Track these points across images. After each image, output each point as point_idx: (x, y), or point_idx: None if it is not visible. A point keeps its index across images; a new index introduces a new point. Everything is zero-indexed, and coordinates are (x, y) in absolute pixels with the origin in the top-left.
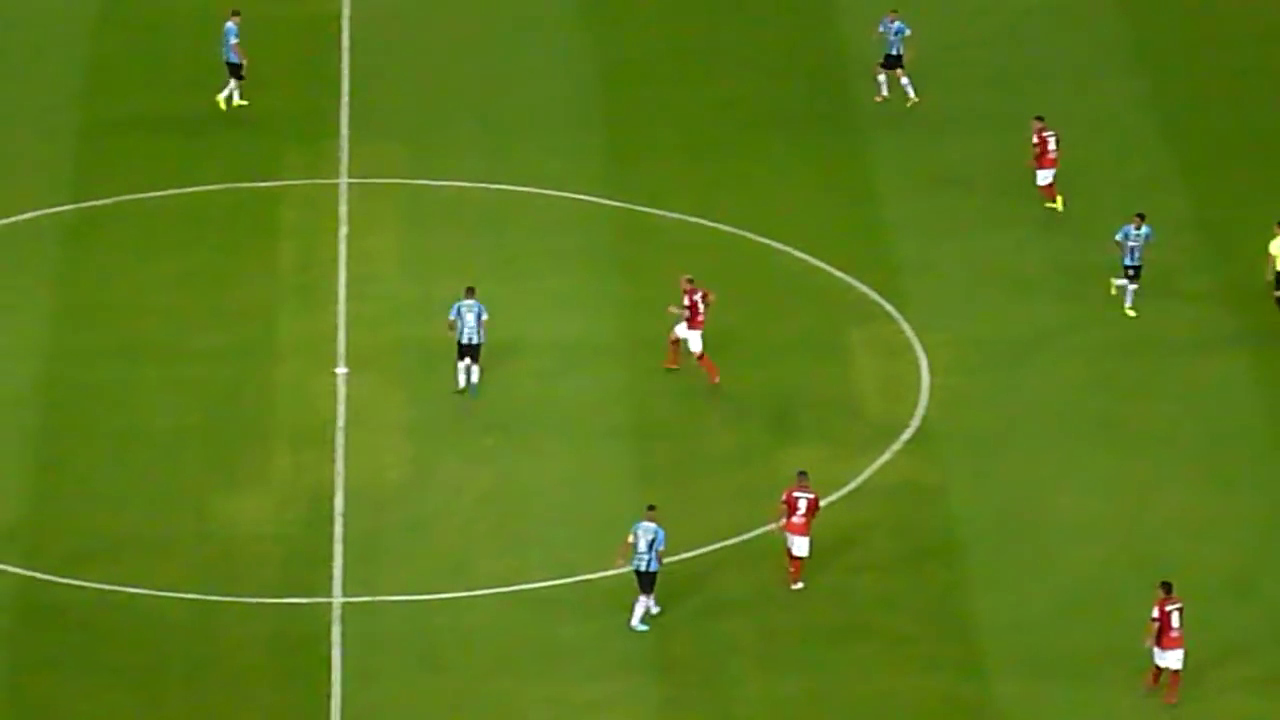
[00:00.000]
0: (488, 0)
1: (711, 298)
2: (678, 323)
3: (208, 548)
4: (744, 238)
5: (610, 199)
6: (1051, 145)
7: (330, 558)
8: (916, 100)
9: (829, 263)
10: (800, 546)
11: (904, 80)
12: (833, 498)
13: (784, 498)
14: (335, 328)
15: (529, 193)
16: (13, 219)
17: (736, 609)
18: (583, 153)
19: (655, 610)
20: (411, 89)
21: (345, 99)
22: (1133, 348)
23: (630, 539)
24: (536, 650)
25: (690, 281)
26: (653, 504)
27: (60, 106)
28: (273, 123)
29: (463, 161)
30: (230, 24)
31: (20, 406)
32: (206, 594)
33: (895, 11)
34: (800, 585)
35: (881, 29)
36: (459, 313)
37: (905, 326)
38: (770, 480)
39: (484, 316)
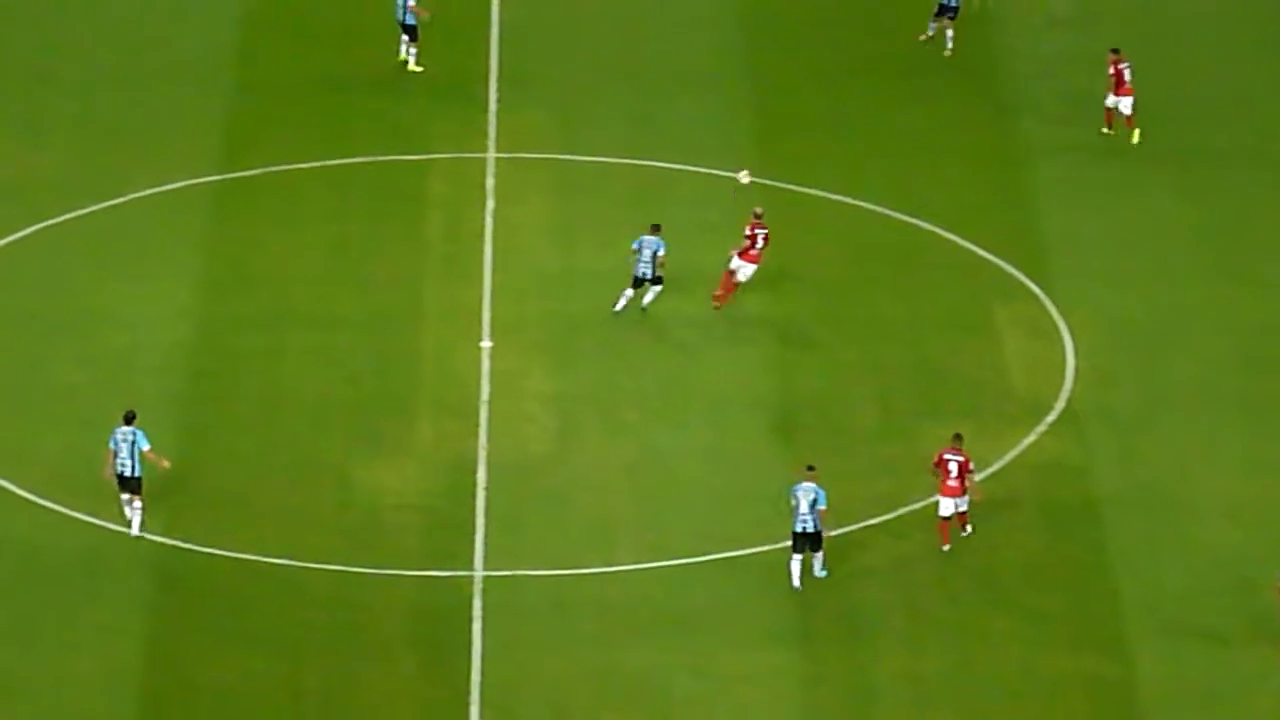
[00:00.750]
0: None
1: (763, 238)
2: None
3: (350, 518)
4: (888, 216)
5: (756, 176)
6: (1127, 76)
7: (472, 530)
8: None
9: (974, 240)
10: (946, 507)
11: (949, 33)
12: (978, 476)
13: (935, 460)
14: (480, 300)
15: (675, 168)
16: (161, 187)
17: (881, 583)
18: (729, 126)
19: (822, 574)
20: (560, 59)
21: (494, 70)
22: None
23: (792, 501)
24: (678, 623)
25: (758, 216)
26: (812, 464)
27: (209, 74)
28: (422, 93)
29: (610, 133)
30: None
31: (166, 373)
32: (348, 565)
33: None
34: (948, 547)
35: None
36: (640, 245)
37: (1050, 305)
38: (915, 456)
39: (660, 253)
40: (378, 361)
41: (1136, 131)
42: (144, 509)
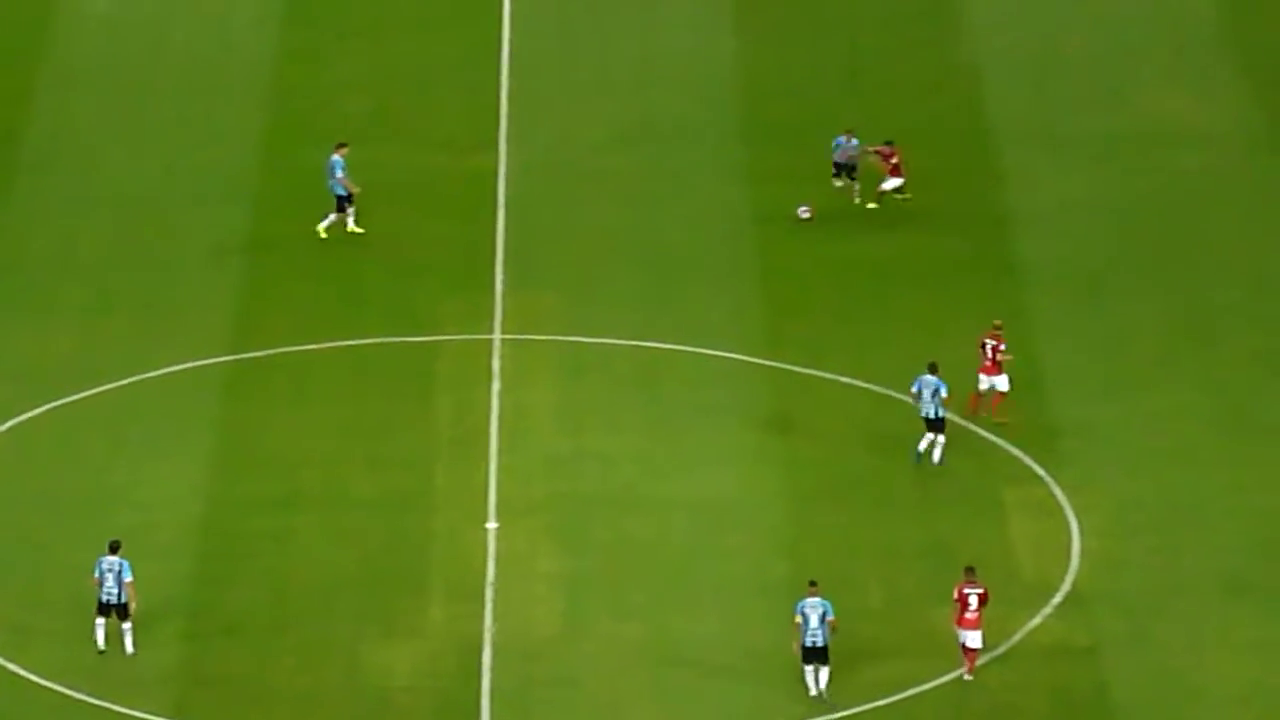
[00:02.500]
0: (643, 154)
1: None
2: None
3: (359, 700)
4: (897, 399)
5: (765, 358)
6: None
7: (479, 711)
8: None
9: (978, 424)
10: (974, 640)
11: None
12: (986, 659)
13: (955, 595)
14: (487, 481)
15: (682, 350)
16: (172, 368)
17: None
18: (738, 310)
19: (826, 692)
20: (567, 243)
21: (500, 253)
22: None
23: (798, 619)
24: None
25: (998, 327)
26: (814, 580)
27: (220, 257)
28: (430, 275)
29: (617, 315)
30: (336, 156)
31: (176, 553)
32: None
33: (850, 131)
34: (970, 677)
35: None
36: (919, 386)
37: (1056, 489)
38: (925, 637)
39: (942, 393)
40: (387, 542)
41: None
42: (133, 630)
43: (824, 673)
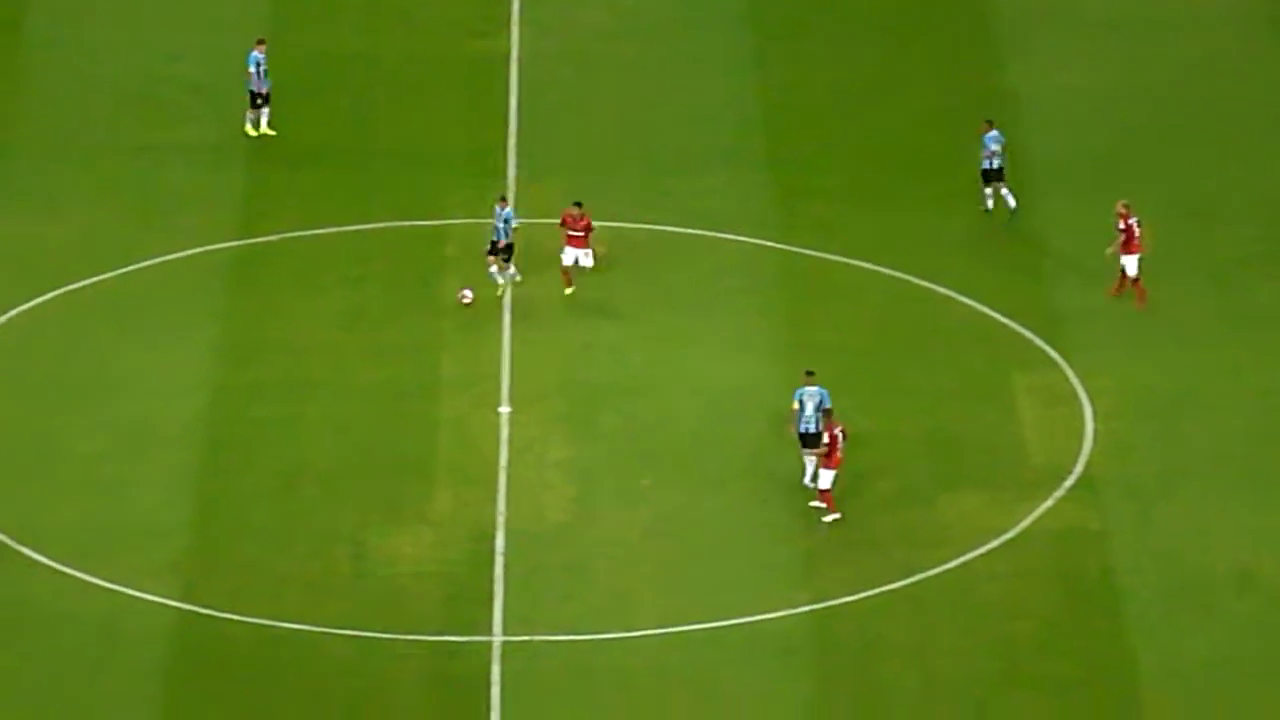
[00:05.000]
0: (655, 39)
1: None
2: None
3: (368, 585)
4: (907, 281)
5: (775, 241)
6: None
7: (490, 596)
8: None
9: (993, 307)
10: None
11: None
12: (994, 544)
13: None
14: (499, 367)
15: (693, 234)
16: (179, 254)
17: (898, 653)
18: (747, 194)
19: (816, 487)
20: (578, 128)
21: (512, 138)
22: None
23: (795, 405)
24: (695, 692)
25: (1126, 206)
26: (811, 369)
27: (226, 143)
28: (440, 160)
29: (628, 202)
30: (255, 52)
31: (183, 442)
32: (366, 631)
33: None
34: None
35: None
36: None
37: (1069, 372)
38: (932, 525)
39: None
40: (396, 429)
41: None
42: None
43: (810, 461)
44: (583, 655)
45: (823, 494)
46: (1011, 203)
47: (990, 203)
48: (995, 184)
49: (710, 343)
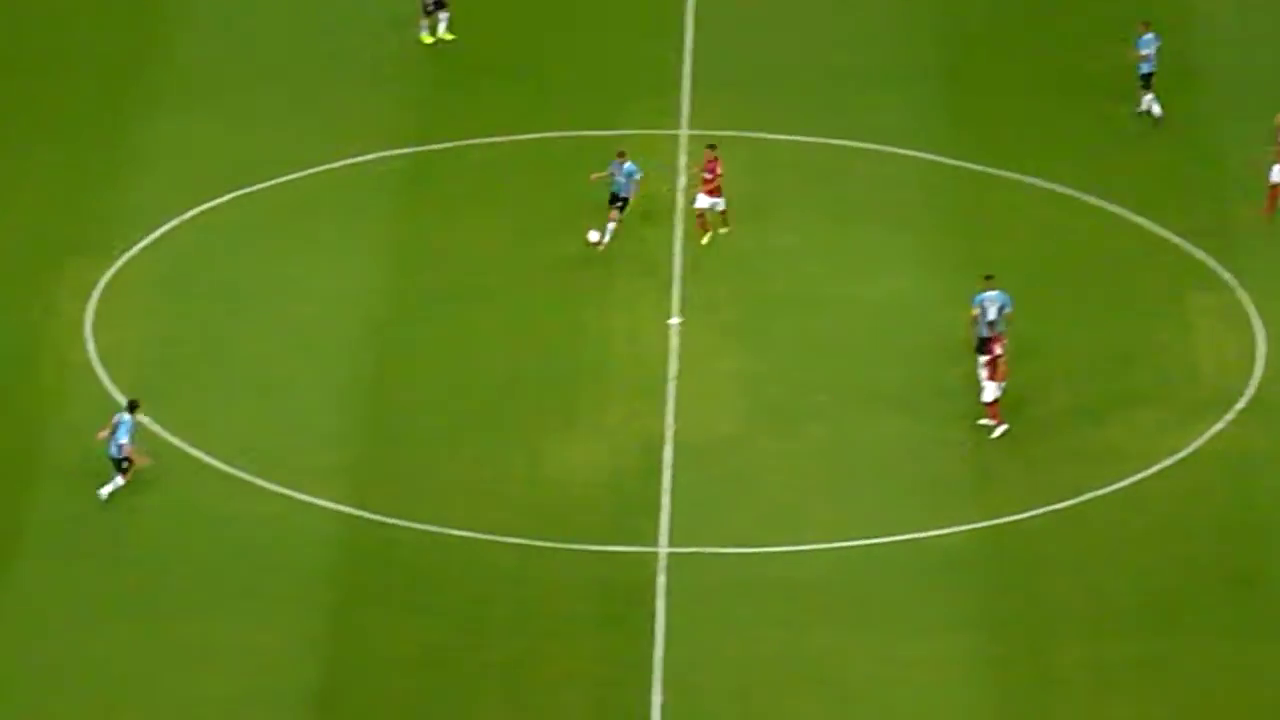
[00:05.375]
0: None
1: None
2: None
3: (536, 493)
4: (1080, 199)
5: (948, 157)
6: None
7: (658, 507)
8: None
9: (1166, 227)
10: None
11: (1150, 98)
12: (1167, 463)
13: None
14: (671, 278)
15: (868, 148)
16: (354, 160)
17: (1066, 572)
18: (921, 110)
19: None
20: (754, 41)
21: (688, 48)
22: None
23: (975, 311)
24: (862, 606)
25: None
26: (990, 274)
27: (403, 52)
28: (616, 71)
29: (803, 115)
30: None
31: (357, 347)
32: (533, 539)
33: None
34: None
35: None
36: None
37: (1243, 294)
38: (1104, 442)
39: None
40: (567, 339)
41: None
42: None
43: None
44: (749, 567)
45: (988, 407)
46: (1157, 111)
47: (1150, 107)
48: (1149, 89)
49: (883, 257)
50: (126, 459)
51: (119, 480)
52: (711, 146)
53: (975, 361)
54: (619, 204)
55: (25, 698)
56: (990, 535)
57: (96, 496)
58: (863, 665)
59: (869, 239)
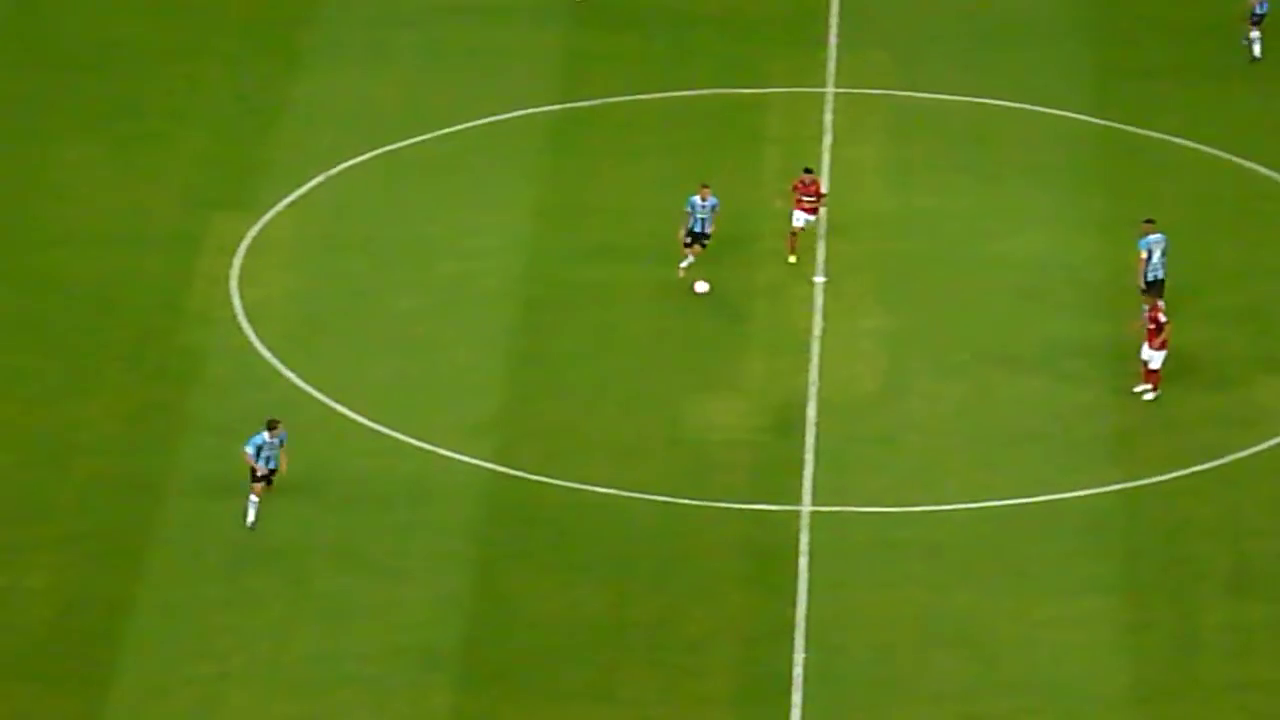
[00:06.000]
0: None
1: None
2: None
3: (679, 451)
4: (1227, 160)
5: (1094, 116)
6: None
7: (801, 466)
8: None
9: None
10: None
11: (1254, 34)
12: None
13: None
14: (815, 235)
15: (1014, 107)
16: (500, 116)
17: (1208, 534)
18: (1070, 69)
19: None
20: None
21: (835, 6)
22: None
23: (1143, 255)
24: (1003, 566)
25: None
26: (1150, 218)
27: (549, 6)
28: (761, 28)
29: (949, 73)
30: None
31: (501, 302)
32: (676, 497)
33: None
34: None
35: None
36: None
37: None
38: (1247, 403)
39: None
40: (711, 296)
41: None
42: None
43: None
44: (890, 527)
45: (1149, 374)
46: (1256, 51)
47: (1253, 46)
48: (1257, 30)
49: (1028, 216)
50: (255, 471)
51: (253, 499)
52: (809, 170)
53: (1140, 309)
54: (703, 241)
55: (171, 648)
56: (1132, 496)
57: (245, 525)
58: (1004, 626)
59: (1013, 199)
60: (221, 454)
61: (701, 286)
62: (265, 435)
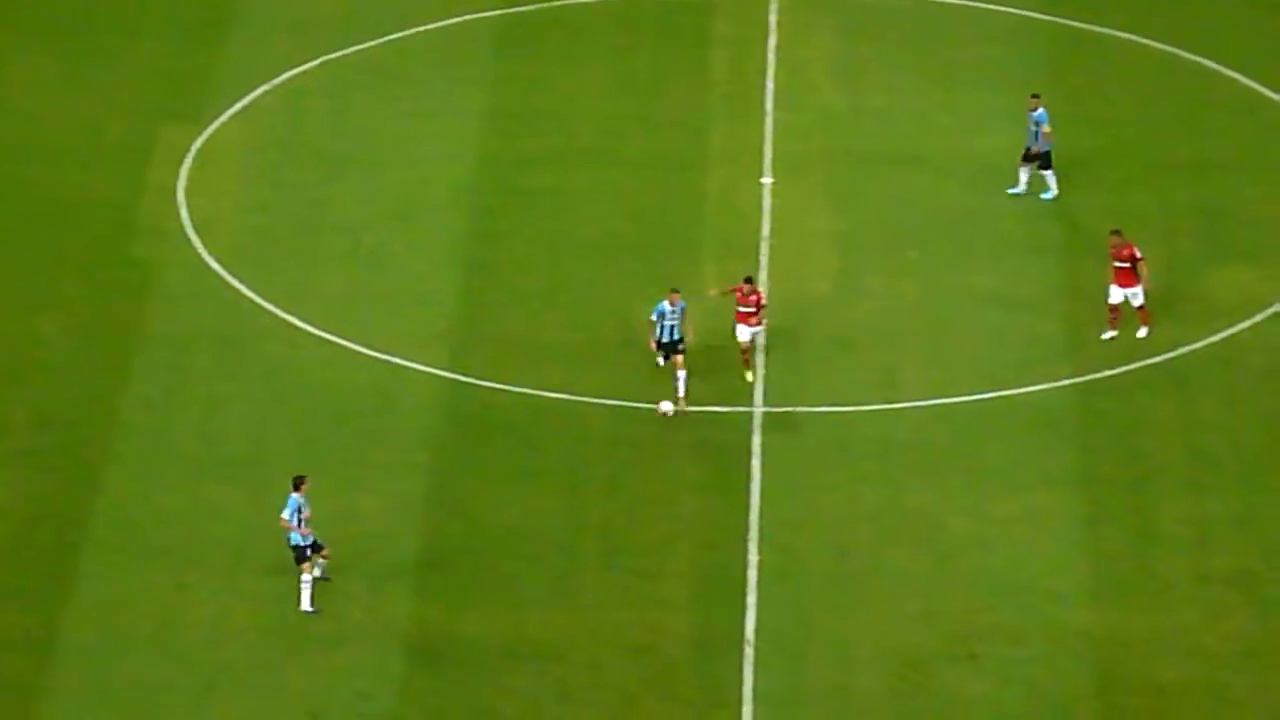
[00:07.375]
0: None
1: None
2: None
3: (632, 355)
4: (1178, 56)
5: (1042, 13)
6: None
7: (752, 366)
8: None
9: (1263, 83)
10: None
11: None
12: (1259, 317)
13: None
14: (762, 137)
15: (963, 5)
16: (444, 22)
17: (1161, 427)
18: None
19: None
20: None
21: None
22: None
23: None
24: (958, 464)
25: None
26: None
27: None
28: None
29: None
30: None
31: (450, 210)
32: (629, 400)
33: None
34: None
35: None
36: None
37: None
38: (1198, 298)
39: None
40: (660, 199)
41: None
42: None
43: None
44: (844, 426)
45: (1140, 310)
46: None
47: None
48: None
49: (978, 114)
50: (301, 550)
51: (305, 578)
52: (749, 280)
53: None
54: (679, 349)
55: (129, 561)
56: (1086, 391)
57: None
58: (960, 522)
59: (961, 97)
60: (174, 366)
61: (665, 406)
62: (295, 495)
